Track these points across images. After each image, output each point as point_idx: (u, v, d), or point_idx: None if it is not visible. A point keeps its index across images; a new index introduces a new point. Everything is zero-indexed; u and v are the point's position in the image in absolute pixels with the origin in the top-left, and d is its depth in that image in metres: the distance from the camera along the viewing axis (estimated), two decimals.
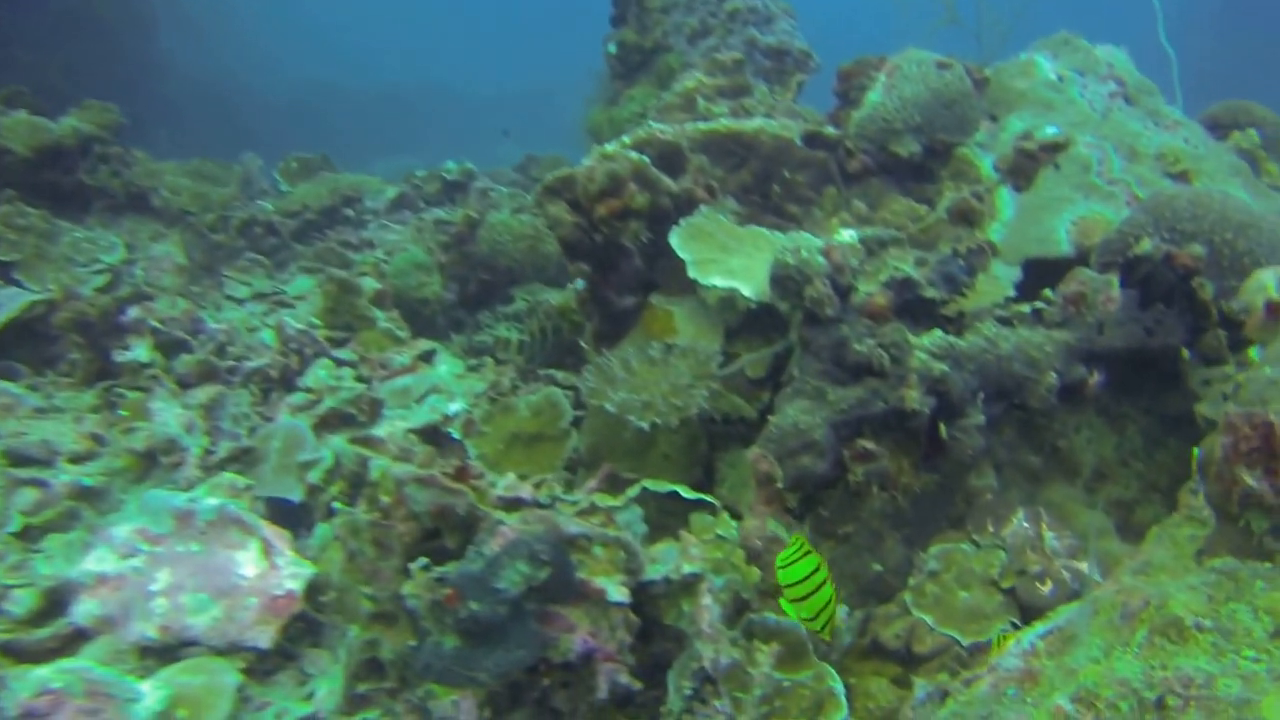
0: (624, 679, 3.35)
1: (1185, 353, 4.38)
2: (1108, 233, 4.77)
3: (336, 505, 4.59)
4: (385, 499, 3.73)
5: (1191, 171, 5.27)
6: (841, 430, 3.91)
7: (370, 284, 6.50)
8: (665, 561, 3.67)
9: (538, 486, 3.63)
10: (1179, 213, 4.46)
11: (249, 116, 20.01)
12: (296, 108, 24.40)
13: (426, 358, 5.86)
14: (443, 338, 6.61)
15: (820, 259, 3.86)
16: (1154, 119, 5.51)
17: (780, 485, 3.86)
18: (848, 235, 4.16)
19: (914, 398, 3.86)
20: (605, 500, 3.99)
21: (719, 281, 4.27)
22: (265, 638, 4.35)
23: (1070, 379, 4.32)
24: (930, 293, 4.31)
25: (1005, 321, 4.52)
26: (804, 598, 2.95)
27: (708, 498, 3.91)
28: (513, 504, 3.58)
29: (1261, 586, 2.50)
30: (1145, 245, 4.21)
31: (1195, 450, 3.89)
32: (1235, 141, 5.85)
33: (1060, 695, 2.45)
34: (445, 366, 5.77)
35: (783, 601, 2.97)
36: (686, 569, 3.55)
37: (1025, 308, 4.60)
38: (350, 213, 8.11)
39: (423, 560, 3.40)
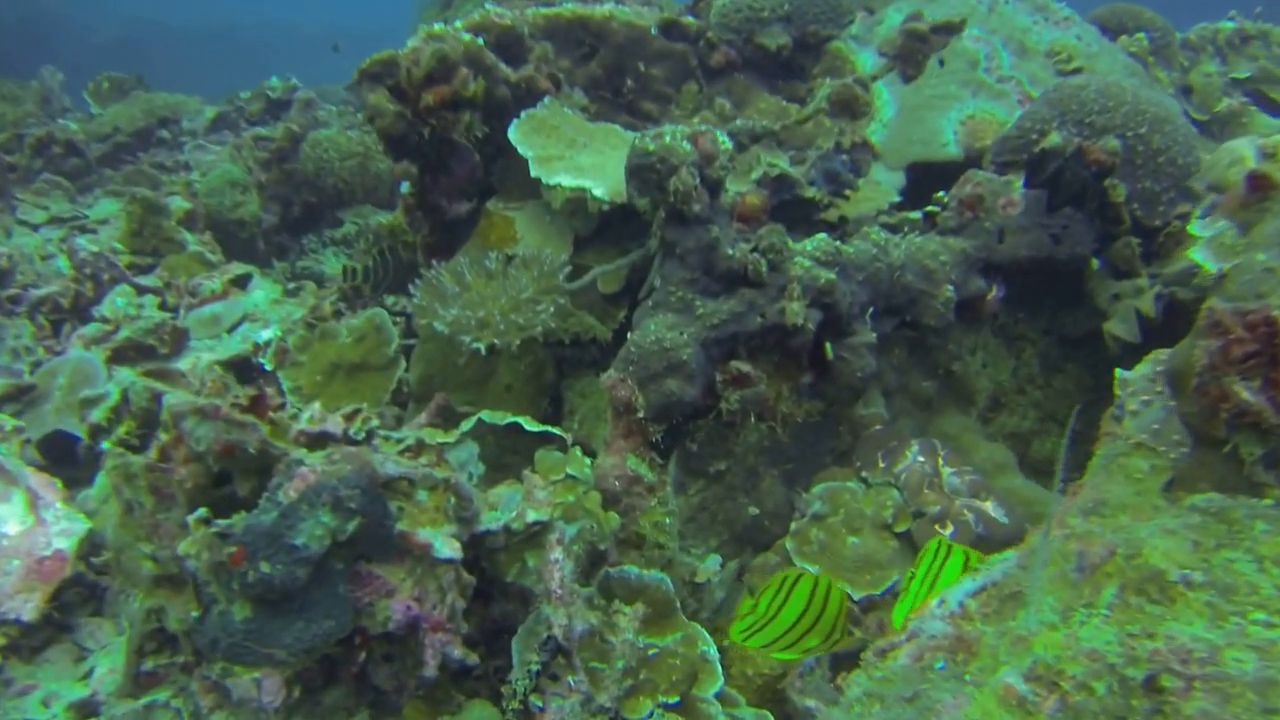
0: (457, 651, 2.61)
1: (1095, 263, 3.79)
2: (1004, 131, 4.15)
3: (105, 445, 3.76)
4: (165, 437, 2.92)
5: (1085, 70, 4.67)
6: (713, 350, 3.22)
7: (179, 204, 5.57)
8: (506, 508, 2.94)
9: (350, 418, 2.86)
10: (1087, 105, 3.85)
11: (69, 55, 18.37)
12: (120, 46, 22.62)
13: (240, 283, 4.98)
14: (264, 264, 5.73)
15: (686, 145, 3.14)
16: (1043, 14, 4.89)
17: (641, 415, 3.15)
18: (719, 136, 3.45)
19: (796, 310, 3.18)
20: (435, 436, 3.23)
21: (566, 180, 3.52)
22: (29, 608, 3.48)
23: (967, 293, 3.70)
24: (810, 193, 3.63)
25: (893, 230, 3.87)
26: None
27: (556, 431, 3.18)
28: (319, 440, 2.80)
29: (1263, 529, 1.87)
30: (1054, 138, 3.58)
31: (1117, 371, 3.31)
32: (1124, 45, 5.30)
33: (1009, 671, 1.80)
34: (261, 292, 4.90)
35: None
36: (531, 516, 2.81)
37: (915, 214, 3.96)
38: (166, 134, 7.11)
39: (201, 511, 2.61)
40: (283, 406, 2.82)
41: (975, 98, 4.38)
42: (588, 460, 3.08)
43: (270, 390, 2.96)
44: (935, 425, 3.86)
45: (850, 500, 3.48)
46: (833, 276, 3.25)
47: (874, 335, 3.42)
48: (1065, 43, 4.73)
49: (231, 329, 4.64)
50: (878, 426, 3.67)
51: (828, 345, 3.36)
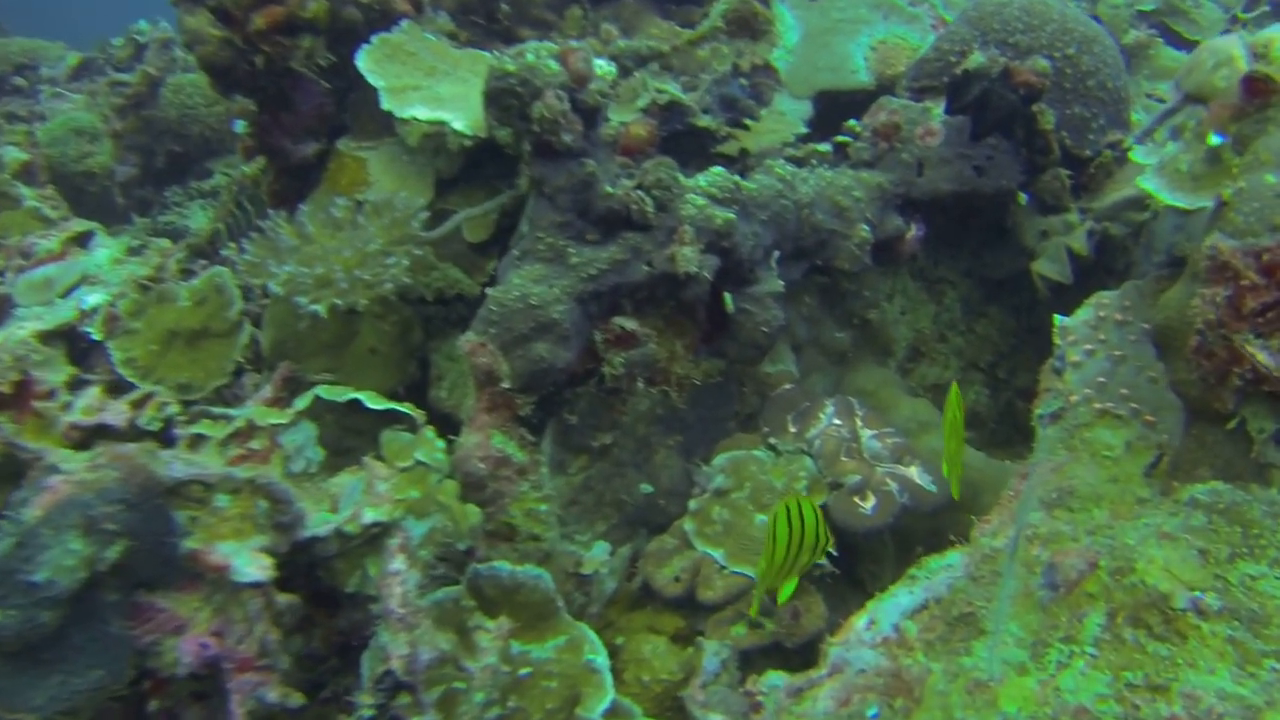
0: (273, 694, 2.03)
1: (1021, 198, 3.28)
2: (921, 53, 3.61)
3: None
4: None
5: None
6: (591, 306, 2.65)
7: (14, 155, 4.84)
8: (348, 501, 2.37)
9: (139, 404, 2.27)
10: (1010, 23, 3.31)
11: None
12: None
13: (81, 241, 4.29)
14: (123, 221, 5.04)
15: (553, 64, 2.55)
16: None
17: (507, 385, 2.58)
18: (600, 63, 2.87)
19: (688, 257, 2.62)
20: (268, 416, 2.64)
21: (422, 112, 2.91)
22: None
23: (884, 233, 3.16)
24: (705, 122, 3.06)
25: (800, 165, 3.33)
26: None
27: (404, 408, 2.59)
28: (96, 434, 2.21)
29: None
30: (977, 59, 3.04)
31: (1056, 318, 2.80)
32: None
33: None
34: (105, 251, 4.22)
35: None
36: (369, 516, 2.24)
37: (825, 147, 3.41)
38: (21, 81, 6.34)
39: None
40: (52, 394, 2.20)
41: (886, 21, 3.83)
42: (441, 444, 2.50)
43: (43, 374, 2.34)
44: (851, 380, 3.34)
45: (757, 471, 2.94)
46: (731, 216, 2.69)
47: (781, 283, 2.87)
48: None
49: (66, 293, 3.97)
50: (787, 385, 3.13)
51: (727, 296, 2.81)
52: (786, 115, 3.55)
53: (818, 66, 3.71)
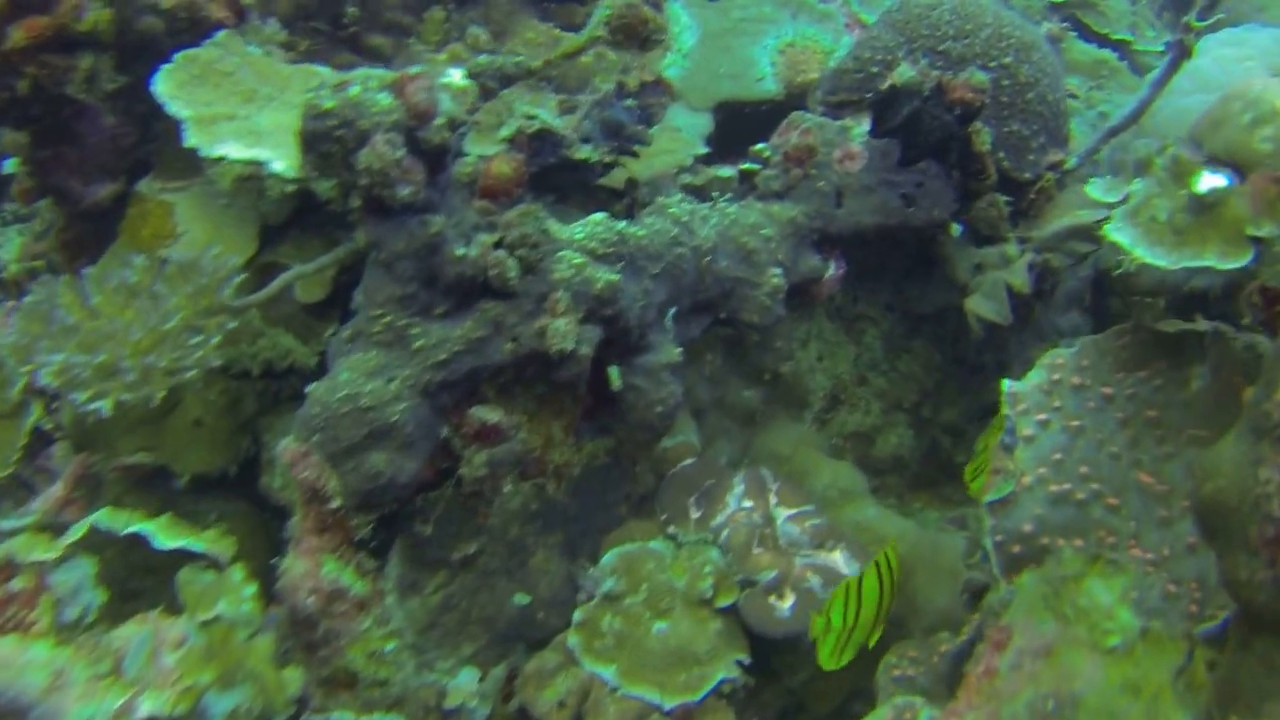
0: None
1: (955, 229, 2.79)
2: (835, 62, 3.10)
3: None
4: None
5: None
6: (442, 397, 2.10)
7: None
8: (133, 660, 1.82)
9: None
10: (940, 28, 2.80)
11: None
12: None
13: None
14: None
15: (385, 99, 1.99)
16: None
17: (338, 504, 2.04)
18: (455, 76, 2.31)
19: (563, 331, 2.09)
20: (35, 548, 2.05)
21: (235, 150, 2.33)
22: None
23: (799, 276, 2.66)
24: (584, 154, 2.51)
25: (700, 194, 2.81)
26: None
27: (200, 546, 2.01)
28: None
29: None
30: (905, 73, 2.53)
31: (1004, 384, 2.33)
32: None
33: None
34: None
35: None
36: (146, 708, 1.69)
37: (728, 171, 2.90)
38: None
39: None
40: None
41: (795, 20, 3.30)
42: (252, 588, 1.95)
43: None
44: (762, 444, 2.84)
45: (655, 570, 2.43)
46: (614, 278, 2.16)
47: (678, 351, 2.35)
48: None
49: None
50: (687, 460, 2.62)
51: (613, 371, 2.29)
52: (683, 132, 3.03)
53: (718, 74, 3.18)
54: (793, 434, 2.84)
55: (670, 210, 2.40)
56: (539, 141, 2.45)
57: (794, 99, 3.19)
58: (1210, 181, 1.92)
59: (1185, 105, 2.85)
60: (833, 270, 2.74)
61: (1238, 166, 1.91)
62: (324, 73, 2.73)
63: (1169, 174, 2.10)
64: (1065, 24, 4.75)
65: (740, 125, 3.11)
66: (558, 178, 2.53)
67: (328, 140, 1.96)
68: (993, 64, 2.78)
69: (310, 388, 2.04)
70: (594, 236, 2.20)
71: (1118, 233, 2.05)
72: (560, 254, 2.17)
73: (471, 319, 2.10)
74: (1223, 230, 1.91)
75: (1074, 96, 4.30)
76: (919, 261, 2.99)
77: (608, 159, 2.55)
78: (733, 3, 3.27)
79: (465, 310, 2.11)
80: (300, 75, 2.68)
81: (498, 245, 2.13)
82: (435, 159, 2.08)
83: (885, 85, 2.59)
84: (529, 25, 3.28)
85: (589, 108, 2.51)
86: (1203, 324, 2.33)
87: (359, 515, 2.04)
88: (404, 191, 1.98)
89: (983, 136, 2.67)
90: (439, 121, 2.05)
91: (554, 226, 2.22)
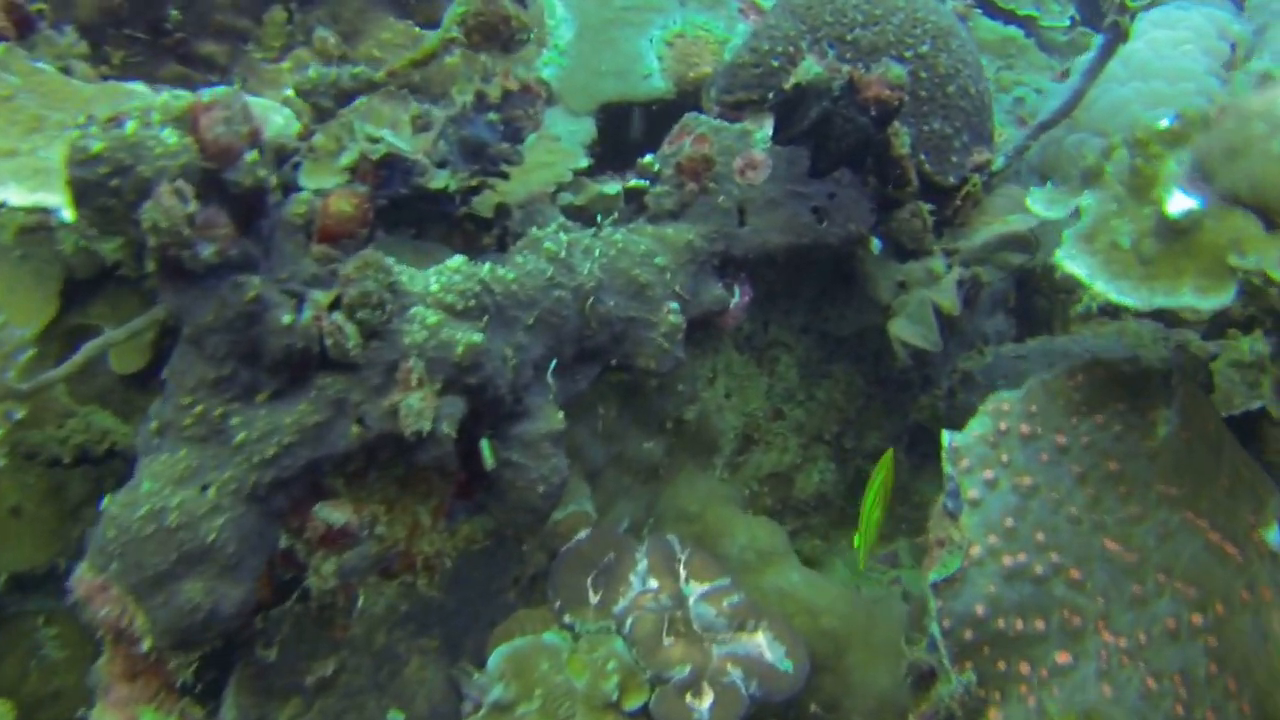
0: None
1: (874, 244, 2.48)
2: (731, 55, 2.76)
3: None
4: None
5: None
6: (275, 499, 1.72)
7: None
8: None
9: None
10: (846, 13, 2.48)
11: None
12: None
13: None
14: None
15: (171, 137, 1.60)
16: None
17: (149, 646, 1.66)
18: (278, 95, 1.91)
19: (417, 409, 1.73)
20: None
21: (15, 196, 1.92)
22: None
23: (700, 308, 2.33)
24: (441, 181, 2.14)
25: (581, 217, 2.46)
26: None
27: None
28: None
29: None
30: (811, 68, 2.20)
31: (944, 436, 2.03)
32: None
33: None
34: None
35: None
36: None
37: (613, 188, 2.56)
38: None
39: None
40: None
41: (684, 7, 2.96)
42: None
43: None
44: (668, 500, 2.50)
45: (550, 670, 2.09)
46: (477, 339, 1.80)
47: (560, 416, 2.00)
48: None
49: None
50: (582, 534, 2.28)
51: (485, 446, 1.93)
52: (561, 141, 2.68)
53: (600, 71, 2.84)
54: (702, 487, 2.52)
55: (546, 245, 2.05)
56: (386, 169, 2.08)
57: (686, 96, 2.87)
58: (1182, 203, 1.62)
59: (1122, 95, 2.58)
60: (738, 297, 2.42)
61: (1268, 211, 1.59)
62: (140, 91, 2.32)
63: (1127, 188, 1.81)
64: (969, 1, 4.51)
65: (628, 130, 2.77)
66: (415, 209, 2.16)
67: (101, 191, 1.56)
68: (908, 54, 2.48)
69: (105, 502, 1.65)
70: (451, 288, 1.84)
71: (1072, 262, 1.75)
72: (412, 311, 1.80)
73: (306, 400, 1.73)
74: (1199, 260, 1.62)
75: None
76: (835, 278, 2.69)
77: (471, 184, 2.19)
78: None
79: (298, 389, 1.74)
80: (108, 95, 2.26)
81: (334, 306, 1.76)
82: (250, 204, 1.70)
83: (789, 84, 2.26)
84: (384, 24, 2.89)
85: (444, 125, 2.13)
86: (1162, 347, 2.07)
87: (176, 655, 1.65)
88: (206, 251, 1.59)
89: (901, 138, 2.37)
90: (249, 158, 1.67)
91: (405, 276, 1.85)
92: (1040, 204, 2.03)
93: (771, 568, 2.41)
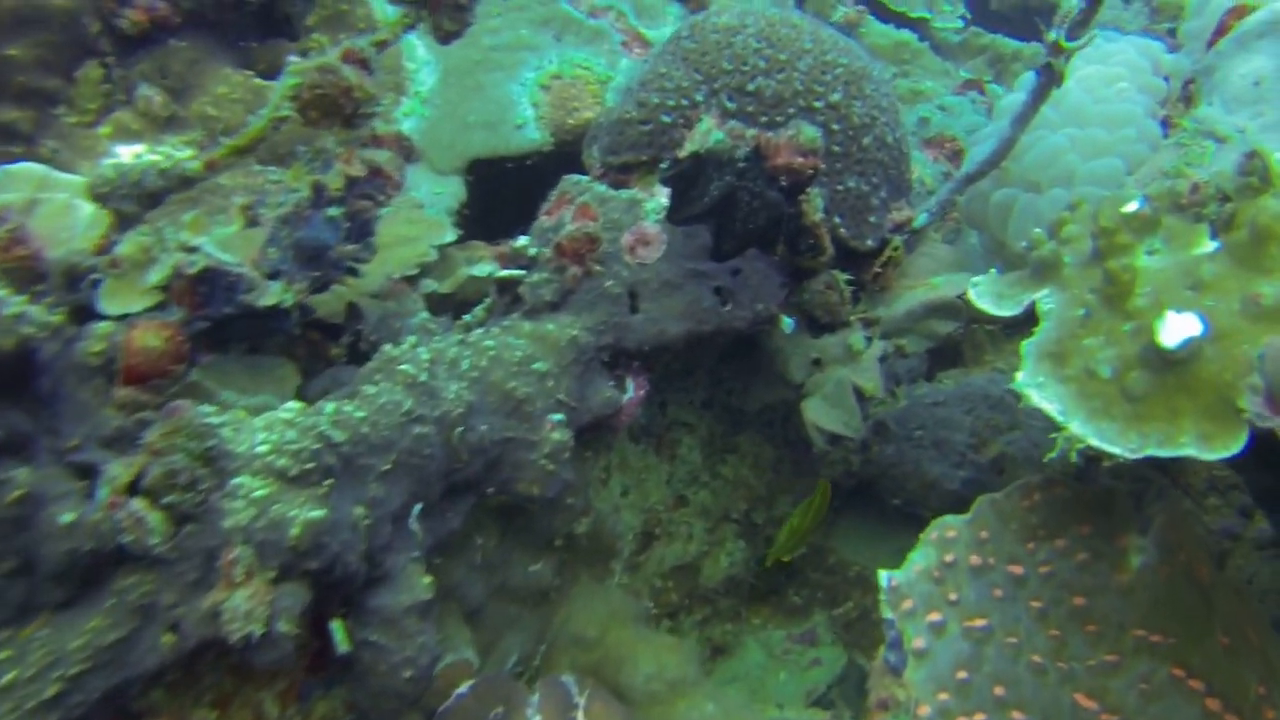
0: None
1: (786, 322, 2.21)
2: (615, 103, 2.46)
3: None
4: None
5: None
6: None
7: None
8: None
9: None
10: (745, 59, 2.19)
11: None
12: None
13: None
14: None
15: None
16: None
17: None
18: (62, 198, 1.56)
19: (243, 610, 1.42)
20: None
21: None
22: None
23: (590, 413, 2.04)
24: (273, 297, 1.81)
25: (447, 306, 2.15)
26: None
27: None
28: None
29: None
30: (711, 133, 1.91)
31: (881, 575, 1.77)
32: None
33: None
34: None
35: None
36: None
37: (483, 269, 2.25)
38: None
39: None
40: None
41: (559, 44, 2.64)
42: None
43: None
44: (562, 626, 2.21)
45: None
46: (317, 516, 1.49)
47: (428, 581, 1.70)
48: None
49: None
50: (462, 688, 1.98)
51: (337, 628, 1.63)
52: (425, 209, 2.36)
53: (467, 122, 2.52)
54: (599, 606, 2.24)
55: (402, 369, 1.74)
56: (206, 285, 1.74)
57: (565, 146, 2.56)
58: (1181, 329, 1.37)
59: (1056, 143, 2.34)
60: (631, 393, 2.13)
61: None
62: None
63: (1099, 295, 1.55)
64: (860, 6, 4.29)
65: (501, 186, 2.47)
66: (245, 326, 1.83)
67: None
68: (818, 104, 2.20)
69: None
70: (284, 448, 1.53)
71: (1039, 392, 1.49)
72: (236, 482, 1.49)
73: (100, 612, 1.40)
74: (1200, 398, 1.36)
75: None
76: (739, 344, 2.42)
77: (306, 294, 1.86)
78: (481, 27, 2.59)
79: (91, 598, 1.41)
80: None
81: (135, 485, 1.43)
82: (14, 368, 1.37)
83: (684, 152, 1.97)
84: (220, 76, 2.53)
85: (274, 227, 1.80)
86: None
87: None
88: None
89: (814, 203, 2.09)
90: (8, 312, 1.33)
91: (228, 430, 1.53)
92: (987, 299, 1.78)
93: (683, 700, 2.14)
